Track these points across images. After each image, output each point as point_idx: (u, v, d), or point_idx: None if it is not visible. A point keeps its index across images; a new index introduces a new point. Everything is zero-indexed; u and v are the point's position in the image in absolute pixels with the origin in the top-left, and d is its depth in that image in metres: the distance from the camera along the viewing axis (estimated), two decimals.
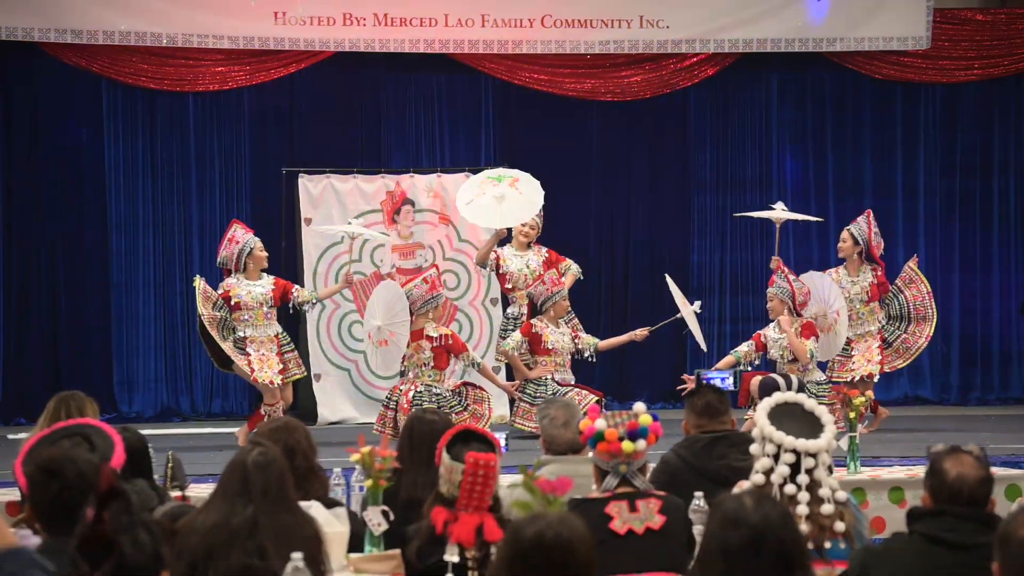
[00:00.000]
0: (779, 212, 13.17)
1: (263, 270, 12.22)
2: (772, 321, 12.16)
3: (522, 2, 15.12)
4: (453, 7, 15.01)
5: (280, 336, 12.24)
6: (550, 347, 12.53)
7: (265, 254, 12.23)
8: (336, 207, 14.46)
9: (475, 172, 14.55)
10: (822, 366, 12.39)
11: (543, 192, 12.93)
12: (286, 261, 14.59)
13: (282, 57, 15.11)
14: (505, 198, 12.81)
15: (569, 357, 12.69)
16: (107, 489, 3.75)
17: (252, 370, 11.91)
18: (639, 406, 5.49)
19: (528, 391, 12.56)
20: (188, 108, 15.32)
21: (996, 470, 7.52)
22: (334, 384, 14.41)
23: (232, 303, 12.03)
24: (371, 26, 14.95)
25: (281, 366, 12.10)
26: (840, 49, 15.59)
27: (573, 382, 12.65)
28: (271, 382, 11.95)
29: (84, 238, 15.17)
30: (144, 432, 6.29)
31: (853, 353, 12.69)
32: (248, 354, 12.01)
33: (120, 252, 15.15)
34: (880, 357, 12.68)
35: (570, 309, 12.92)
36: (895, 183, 16.15)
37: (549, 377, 12.54)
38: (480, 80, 15.70)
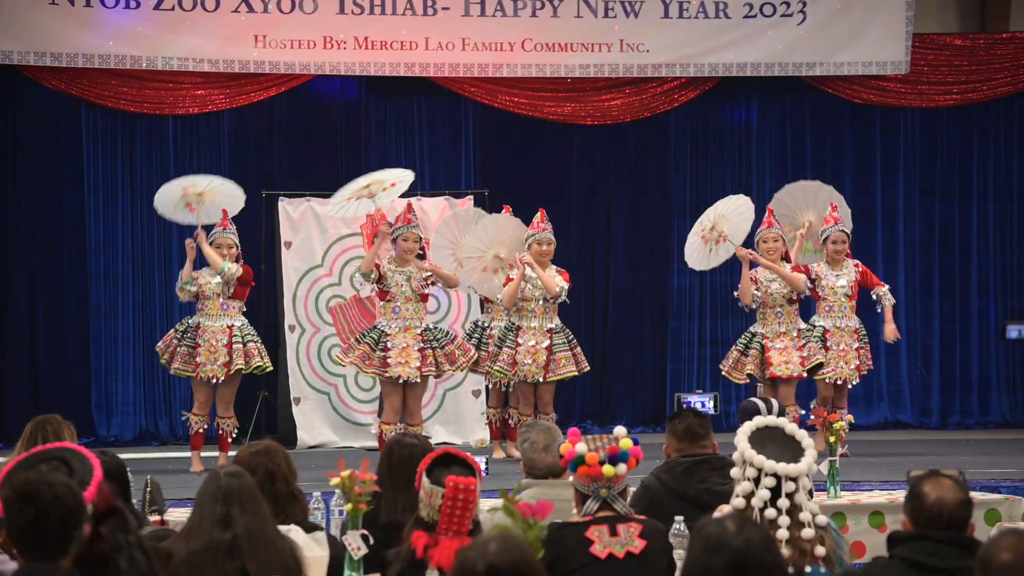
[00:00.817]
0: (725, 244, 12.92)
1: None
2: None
3: (502, 26, 15.14)
4: (433, 30, 15.03)
5: (236, 328, 12.26)
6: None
7: (221, 249, 12.25)
8: (316, 230, 14.44)
9: (455, 196, 14.63)
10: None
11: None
12: (266, 284, 14.57)
13: (262, 80, 15.10)
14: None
15: (540, 304, 12.59)
16: (105, 508, 3.75)
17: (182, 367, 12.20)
18: (620, 430, 5.48)
19: (482, 336, 13.06)
20: (168, 131, 15.29)
21: (976, 495, 7.56)
22: (313, 408, 14.37)
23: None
24: (351, 49, 14.95)
25: (227, 359, 12.15)
26: (820, 73, 15.63)
27: (545, 345, 12.60)
28: (207, 377, 12.16)
29: (63, 262, 15.13)
30: (122, 456, 6.27)
31: (829, 346, 12.80)
32: (197, 344, 12.13)
33: (99, 275, 15.10)
34: (858, 362, 12.81)
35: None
36: (874, 207, 16.17)
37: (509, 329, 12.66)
38: (460, 103, 15.70)
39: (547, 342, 12.54)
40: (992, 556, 3.71)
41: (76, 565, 3.72)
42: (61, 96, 14.91)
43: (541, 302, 12.56)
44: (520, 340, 12.50)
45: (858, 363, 12.82)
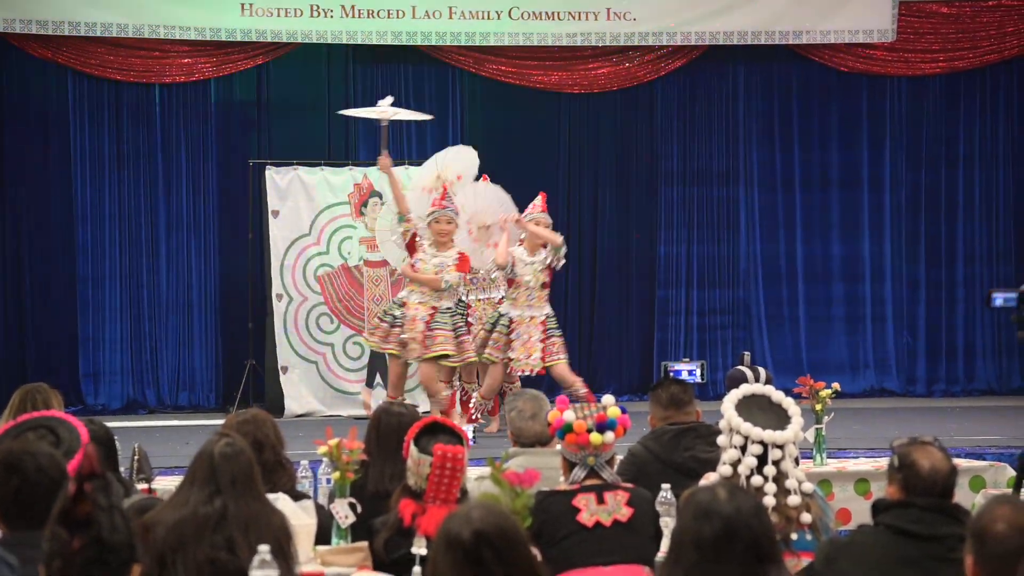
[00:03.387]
0: (385, 108, 12.39)
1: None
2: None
3: None
4: None
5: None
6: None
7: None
8: (303, 199, 14.42)
9: None
10: None
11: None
12: (253, 253, 14.56)
13: (249, 49, 15.06)
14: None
15: (535, 292, 12.08)
16: (89, 471, 3.76)
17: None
18: (608, 398, 5.50)
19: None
20: (154, 100, 15.26)
21: (961, 462, 7.59)
22: (301, 377, 14.36)
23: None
24: (338, 17, 14.90)
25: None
26: (806, 42, 15.61)
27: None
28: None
29: (50, 230, 15.10)
30: (110, 424, 6.27)
31: (512, 337, 12.05)
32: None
33: (86, 244, 15.08)
34: (541, 353, 11.98)
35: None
36: (861, 175, 16.18)
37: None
38: (447, 72, 15.67)
39: (540, 334, 11.96)
40: (986, 527, 3.71)
41: (60, 523, 3.73)
42: (47, 65, 14.86)
43: (535, 291, 12.01)
44: (513, 335, 11.94)
45: (540, 354, 11.97)
